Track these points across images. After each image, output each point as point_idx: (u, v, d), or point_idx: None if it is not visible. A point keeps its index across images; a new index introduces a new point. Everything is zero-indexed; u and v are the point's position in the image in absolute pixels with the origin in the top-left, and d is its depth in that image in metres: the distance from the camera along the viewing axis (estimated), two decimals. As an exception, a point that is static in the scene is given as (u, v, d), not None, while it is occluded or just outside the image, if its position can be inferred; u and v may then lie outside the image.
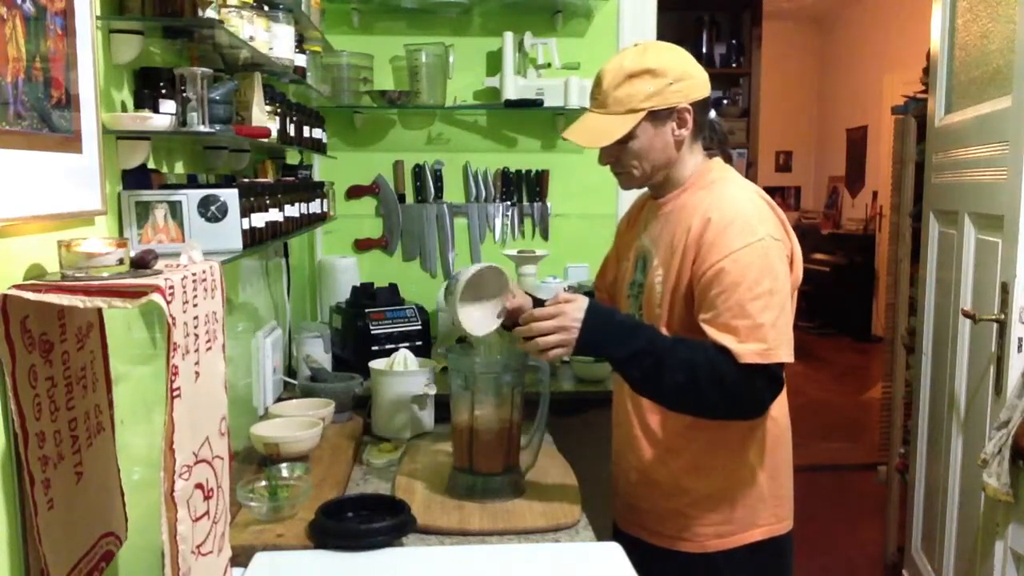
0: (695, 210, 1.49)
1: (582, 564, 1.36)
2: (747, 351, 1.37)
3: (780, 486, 1.59)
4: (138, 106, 1.40)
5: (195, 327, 1.04)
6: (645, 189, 1.66)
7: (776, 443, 1.57)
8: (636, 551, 1.44)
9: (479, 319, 1.63)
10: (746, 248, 1.40)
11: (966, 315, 2.19)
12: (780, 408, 1.58)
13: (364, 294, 2.53)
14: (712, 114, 1.57)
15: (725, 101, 5.78)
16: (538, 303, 1.61)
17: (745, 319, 1.38)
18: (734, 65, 5.81)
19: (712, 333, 1.40)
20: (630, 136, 1.49)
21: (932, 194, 2.69)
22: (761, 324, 1.38)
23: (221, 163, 1.80)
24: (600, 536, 1.50)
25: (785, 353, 1.40)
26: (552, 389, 2.27)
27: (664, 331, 1.51)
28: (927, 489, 2.68)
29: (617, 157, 1.54)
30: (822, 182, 8.60)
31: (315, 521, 1.43)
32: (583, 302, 1.42)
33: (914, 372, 2.85)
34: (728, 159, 1.61)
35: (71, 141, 1.11)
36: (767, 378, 1.40)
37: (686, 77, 1.49)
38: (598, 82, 1.52)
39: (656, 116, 1.49)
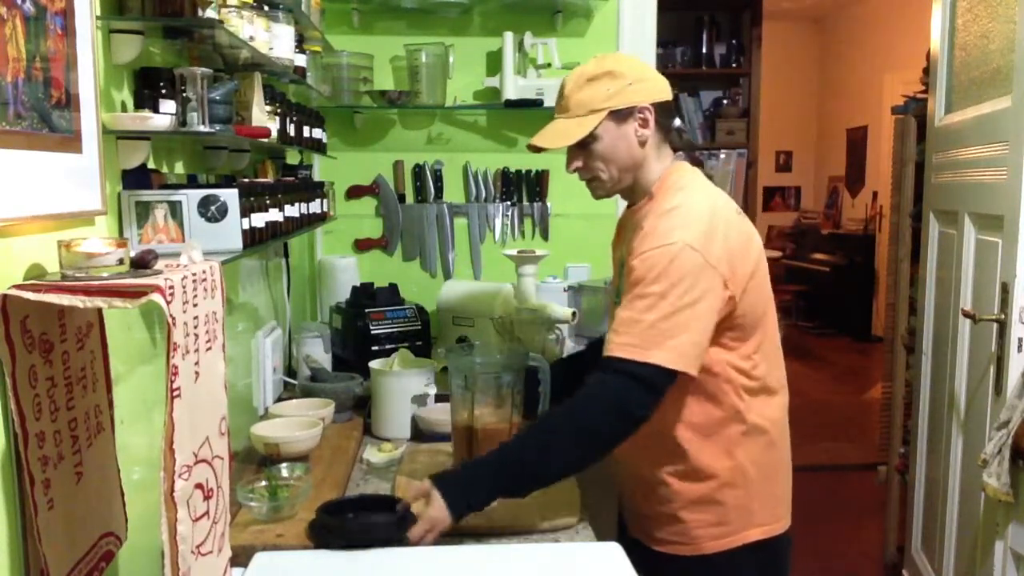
0: (647, 215, 1.51)
1: (582, 564, 1.36)
2: (614, 343, 1.37)
3: (776, 486, 1.58)
4: (138, 106, 1.40)
5: (195, 327, 1.04)
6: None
7: (770, 446, 1.56)
8: (641, 555, 1.44)
9: None
10: (656, 249, 1.41)
11: (966, 315, 2.19)
12: (774, 411, 1.57)
13: (364, 294, 2.53)
14: (676, 122, 1.60)
15: (725, 101, 5.78)
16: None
17: (628, 310, 1.39)
18: (734, 65, 5.80)
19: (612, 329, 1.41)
20: (594, 138, 1.52)
21: (932, 194, 2.69)
22: (639, 320, 1.37)
23: (221, 163, 1.80)
24: (600, 536, 1.50)
25: (659, 356, 1.35)
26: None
27: None
28: (927, 489, 2.68)
29: (584, 162, 1.57)
30: (822, 182, 8.60)
31: (315, 520, 1.43)
32: (424, 487, 1.39)
33: (914, 372, 2.85)
34: (698, 164, 1.63)
35: (71, 141, 1.11)
36: (630, 378, 1.35)
37: (644, 79, 1.54)
38: (561, 90, 1.57)
39: (618, 116, 1.52)
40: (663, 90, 1.56)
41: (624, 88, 1.51)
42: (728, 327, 1.47)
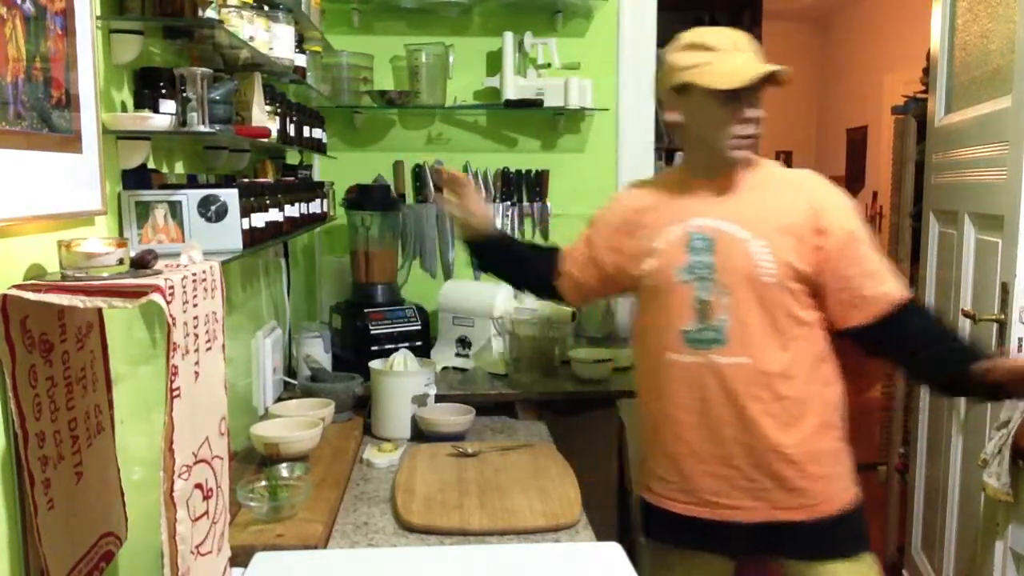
0: (780, 184, 1.72)
1: (582, 564, 1.36)
2: (899, 288, 1.61)
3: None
4: (138, 106, 1.40)
5: (195, 327, 1.04)
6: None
7: None
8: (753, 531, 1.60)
9: None
10: (849, 205, 1.66)
11: (966, 315, 2.19)
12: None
13: (364, 294, 2.53)
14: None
15: (725, 101, 5.79)
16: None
17: (876, 263, 1.61)
18: (734, 65, 5.81)
19: (877, 283, 1.61)
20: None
21: (932, 194, 2.69)
22: (885, 265, 1.62)
23: (221, 163, 1.80)
24: (600, 536, 1.50)
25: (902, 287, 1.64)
26: (552, 389, 2.28)
27: (775, 294, 1.64)
28: (927, 489, 2.68)
29: None
30: (822, 182, 8.59)
31: None
32: None
33: (914, 372, 2.84)
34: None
35: (71, 141, 1.11)
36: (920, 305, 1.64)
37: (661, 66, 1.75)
38: (739, 43, 1.82)
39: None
40: (672, 74, 1.75)
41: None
42: None
